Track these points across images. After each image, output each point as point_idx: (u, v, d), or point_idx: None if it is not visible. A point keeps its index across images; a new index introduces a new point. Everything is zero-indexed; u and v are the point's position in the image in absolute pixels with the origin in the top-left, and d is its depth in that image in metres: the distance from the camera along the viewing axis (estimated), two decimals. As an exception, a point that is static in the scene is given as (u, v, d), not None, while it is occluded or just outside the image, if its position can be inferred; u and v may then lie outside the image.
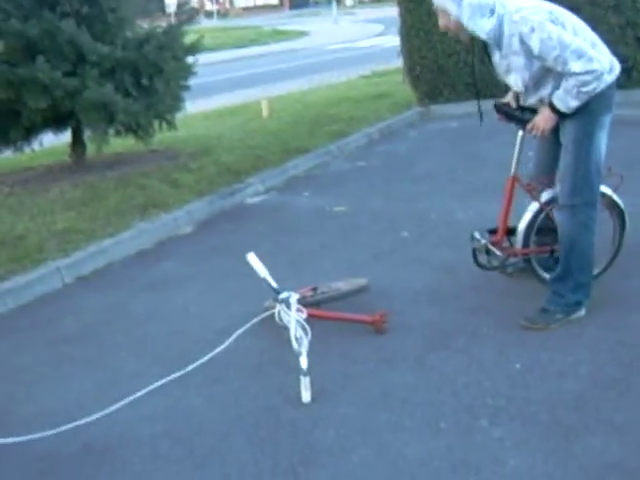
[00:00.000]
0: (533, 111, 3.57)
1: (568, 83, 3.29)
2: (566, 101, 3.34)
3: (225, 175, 6.98)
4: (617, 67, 3.45)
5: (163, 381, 3.45)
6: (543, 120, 3.47)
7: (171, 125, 7.76)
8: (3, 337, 4.12)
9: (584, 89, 3.28)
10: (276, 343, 3.67)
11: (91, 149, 7.57)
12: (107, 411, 3.24)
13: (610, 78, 3.39)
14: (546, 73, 3.38)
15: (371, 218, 5.68)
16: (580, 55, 3.22)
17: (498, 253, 3.84)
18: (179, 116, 8.02)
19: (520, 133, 3.73)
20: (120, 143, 8.13)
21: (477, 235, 3.90)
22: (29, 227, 5.64)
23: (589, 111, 3.38)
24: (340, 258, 4.86)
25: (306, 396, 3.19)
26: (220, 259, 5.09)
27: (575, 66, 3.22)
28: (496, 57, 3.47)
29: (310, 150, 7.92)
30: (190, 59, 7.76)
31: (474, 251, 3.92)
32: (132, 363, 3.72)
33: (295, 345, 3.31)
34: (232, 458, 2.86)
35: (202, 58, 8.12)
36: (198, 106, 11.74)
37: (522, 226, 3.79)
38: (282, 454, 2.84)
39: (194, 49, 7.74)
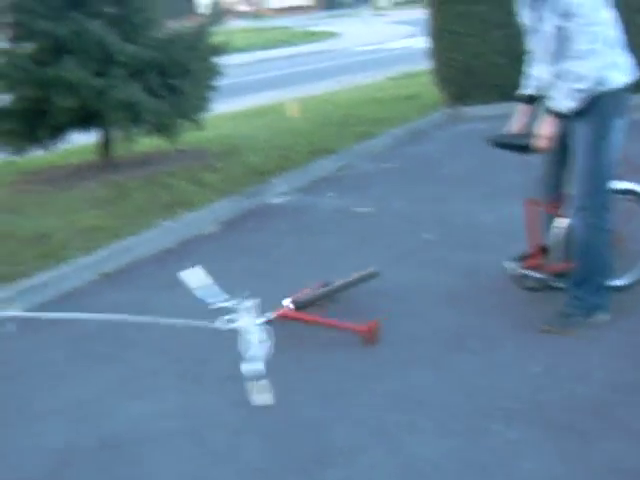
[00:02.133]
0: (528, 135, 3.51)
1: (563, 81, 3.28)
2: (560, 100, 3.32)
3: (250, 175, 6.99)
4: (633, 70, 3.41)
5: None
6: (543, 126, 3.41)
7: (198, 125, 7.80)
8: (24, 334, 4.15)
9: (577, 86, 3.25)
10: (290, 343, 3.66)
11: (120, 148, 7.65)
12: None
13: (624, 80, 3.35)
14: (561, 40, 3.30)
15: (394, 219, 5.66)
16: (592, 41, 3.19)
17: (541, 276, 3.80)
18: (207, 116, 8.06)
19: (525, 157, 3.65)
20: (149, 143, 8.20)
21: (506, 265, 3.87)
22: (55, 225, 5.70)
23: (602, 114, 3.34)
24: (360, 259, 4.84)
25: (260, 399, 3.18)
26: (242, 258, 5.10)
27: (581, 44, 3.19)
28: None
29: (336, 151, 7.90)
30: (217, 59, 7.79)
31: (519, 279, 3.86)
32: (150, 360, 3.75)
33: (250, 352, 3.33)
34: (245, 455, 2.86)
35: (232, 59, 8.14)
36: (227, 106, 11.78)
37: (560, 243, 3.74)
38: (295, 452, 2.84)
39: (220, 50, 7.77)
